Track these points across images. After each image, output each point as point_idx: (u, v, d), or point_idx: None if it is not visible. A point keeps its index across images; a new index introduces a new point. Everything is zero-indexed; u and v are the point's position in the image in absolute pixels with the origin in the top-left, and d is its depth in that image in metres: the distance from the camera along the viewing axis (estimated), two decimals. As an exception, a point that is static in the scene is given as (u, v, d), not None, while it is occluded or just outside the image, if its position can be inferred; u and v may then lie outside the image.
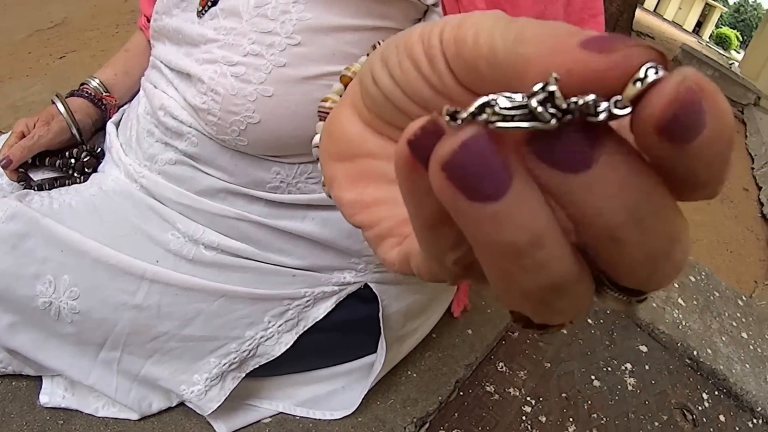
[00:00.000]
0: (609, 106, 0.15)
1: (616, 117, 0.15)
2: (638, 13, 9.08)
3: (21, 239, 0.69)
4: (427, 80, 0.22)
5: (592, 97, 0.15)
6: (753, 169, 4.20)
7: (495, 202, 0.15)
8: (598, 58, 0.16)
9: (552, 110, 0.15)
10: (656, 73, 0.15)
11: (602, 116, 0.15)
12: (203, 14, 0.70)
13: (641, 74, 0.15)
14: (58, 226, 0.70)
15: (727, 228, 3.07)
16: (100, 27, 3.00)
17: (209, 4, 0.70)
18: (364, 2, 0.62)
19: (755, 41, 11.02)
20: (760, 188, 3.77)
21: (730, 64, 11.48)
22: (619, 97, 0.15)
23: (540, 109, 0.15)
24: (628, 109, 0.15)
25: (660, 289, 0.18)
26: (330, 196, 0.29)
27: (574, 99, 0.15)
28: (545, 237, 0.16)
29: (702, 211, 3.14)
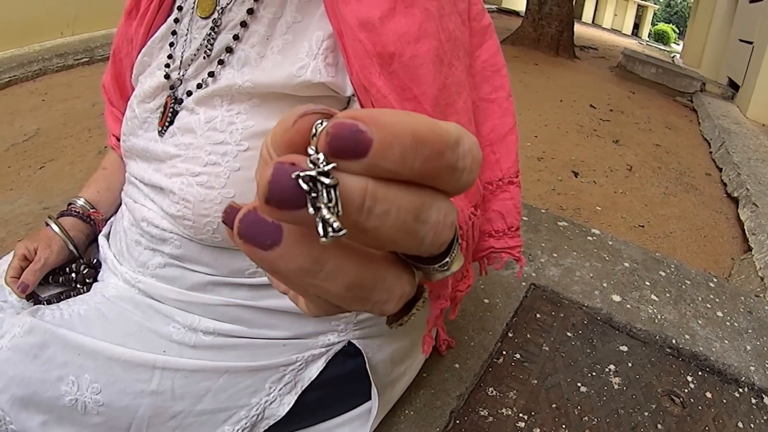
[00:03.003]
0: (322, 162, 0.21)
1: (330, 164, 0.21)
2: (578, 28, 9.44)
3: (41, 349, 0.77)
4: None
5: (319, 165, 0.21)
6: (711, 153, 4.38)
7: (277, 246, 0.22)
8: (291, 133, 0.23)
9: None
10: (322, 124, 0.22)
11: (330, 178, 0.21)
12: (163, 133, 0.83)
13: (313, 131, 0.22)
14: (71, 333, 0.79)
15: (697, 215, 3.19)
16: (73, 134, 3.14)
17: (167, 123, 0.83)
18: (293, 104, 0.74)
19: (690, 30, 11.51)
20: (720, 170, 3.92)
21: (672, 56, 11.87)
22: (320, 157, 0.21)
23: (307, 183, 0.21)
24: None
25: (439, 247, 0.24)
26: None
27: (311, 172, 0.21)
28: (325, 257, 0.22)
29: (670, 205, 3.26)
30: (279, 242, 0.22)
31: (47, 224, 0.96)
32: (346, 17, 0.69)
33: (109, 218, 1.05)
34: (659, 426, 1.21)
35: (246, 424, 0.86)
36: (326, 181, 0.20)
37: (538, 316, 1.47)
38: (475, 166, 0.23)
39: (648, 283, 1.74)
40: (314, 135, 0.22)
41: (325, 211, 0.20)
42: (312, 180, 0.21)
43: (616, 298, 1.61)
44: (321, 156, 0.21)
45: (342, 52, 0.71)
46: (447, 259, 0.28)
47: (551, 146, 3.94)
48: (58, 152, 2.91)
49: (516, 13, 13.71)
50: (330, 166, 0.21)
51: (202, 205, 0.77)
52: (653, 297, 1.67)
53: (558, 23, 8.14)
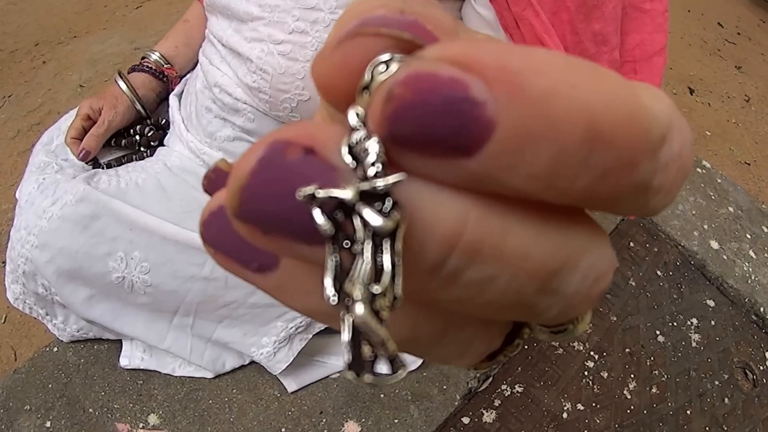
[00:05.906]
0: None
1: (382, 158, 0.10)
2: None
3: (91, 220, 0.72)
4: None
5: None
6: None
7: (271, 273, 0.12)
8: (328, 67, 0.12)
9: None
10: (387, 67, 0.10)
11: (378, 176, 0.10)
12: None
13: (368, 76, 0.11)
14: (125, 206, 0.74)
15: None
16: (175, -27, 3.01)
17: None
18: None
19: None
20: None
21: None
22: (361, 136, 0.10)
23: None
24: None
25: (564, 319, 0.14)
26: None
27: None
28: None
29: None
30: (274, 267, 0.12)
31: (116, 81, 0.86)
32: None
33: (184, 75, 0.94)
34: (726, 400, 1.11)
35: (301, 323, 0.82)
36: (375, 222, 0.09)
37: (631, 244, 1.32)
38: (679, 181, 0.12)
39: (749, 236, 1.56)
40: (365, 87, 0.11)
41: (358, 309, 0.10)
42: (341, 208, 0.10)
43: (714, 244, 1.45)
44: (371, 145, 0.10)
45: None
46: (570, 325, 0.16)
47: (671, 56, 3.59)
48: (156, -8, 2.83)
49: None
50: (392, 180, 0.09)
51: (281, 78, 0.66)
52: (751, 253, 1.50)
53: None
